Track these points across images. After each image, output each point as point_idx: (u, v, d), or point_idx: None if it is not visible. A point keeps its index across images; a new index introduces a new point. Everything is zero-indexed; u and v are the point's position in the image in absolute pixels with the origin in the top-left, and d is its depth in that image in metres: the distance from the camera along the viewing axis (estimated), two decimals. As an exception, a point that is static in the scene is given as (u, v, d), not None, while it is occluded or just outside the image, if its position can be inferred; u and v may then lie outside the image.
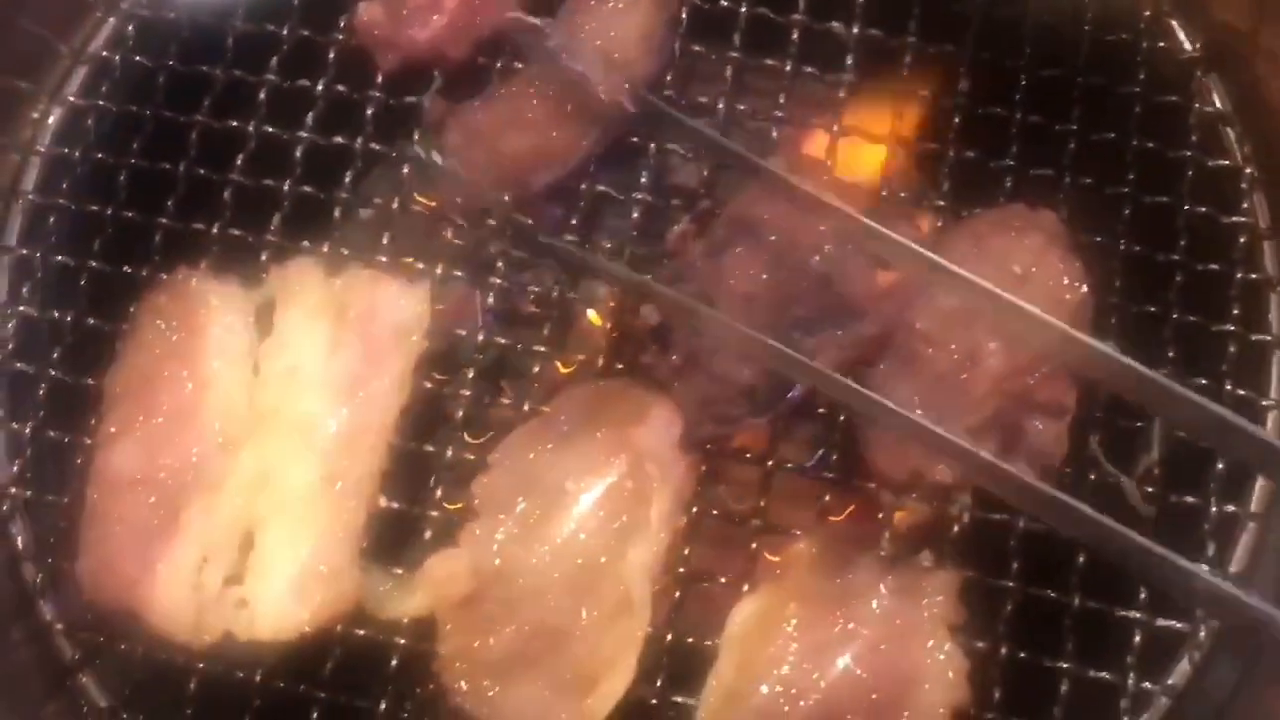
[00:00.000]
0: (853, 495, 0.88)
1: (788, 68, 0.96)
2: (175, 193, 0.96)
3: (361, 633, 0.85)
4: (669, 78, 0.96)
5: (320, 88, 0.97)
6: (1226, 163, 0.96)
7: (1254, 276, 0.93)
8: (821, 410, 0.89)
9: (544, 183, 0.93)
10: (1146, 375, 0.78)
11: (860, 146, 0.96)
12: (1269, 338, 0.92)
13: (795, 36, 0.97)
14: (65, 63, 1.03)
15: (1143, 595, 0.85)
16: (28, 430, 0.92)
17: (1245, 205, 0.95)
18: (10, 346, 0.95)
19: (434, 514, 0.87)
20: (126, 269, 0.94)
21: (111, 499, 0.87)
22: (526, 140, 0.93)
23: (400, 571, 0.86)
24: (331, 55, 0.98)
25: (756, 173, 0.88)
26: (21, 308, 0.96)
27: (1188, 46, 0.99)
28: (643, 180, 0.94)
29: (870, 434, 0.86)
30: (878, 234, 0.84)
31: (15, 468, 0.92)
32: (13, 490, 0.92)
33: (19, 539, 0.92)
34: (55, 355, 0.93)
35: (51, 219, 0.98)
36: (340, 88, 0.97)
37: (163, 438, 0.88)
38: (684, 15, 0.98)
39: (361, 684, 0.85)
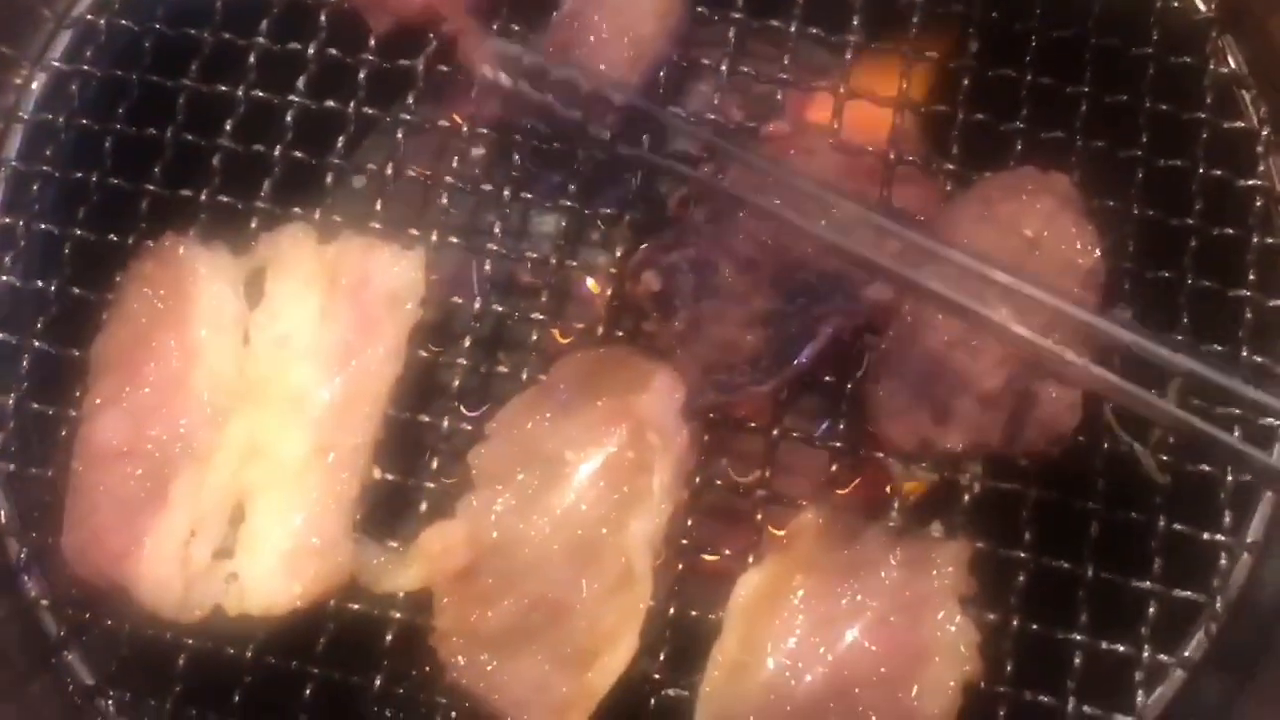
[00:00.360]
0: (860, 465, 0.86)
1: (792, 29, 0.94)
2: (163, 159, 0.94)
3: (356, 607, 0.83)
4: (662, 74, 0.94)
5: (312, 51, 0.95)
6: (1242, 125, 0.94)
7: (1270, 241, 0.91)
8: (828, 378, 0.86)
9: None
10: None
11: (867, 110, 0.93)
12: (1285, 304, 0.90)
13: (800, -2, 0.95)
14: (49, 26, 1.00)
15: (1157, 566, 0.83)
16: (11, 402, 0.90)
17: (1261, 168, 0.93)
18: (-8, 316, 0.93)
19: (430, 485, 0.85)
20: (113, 237, 0.92)
21: (97, 471, 0.84)
22: None
23: (395, 544, 0.84)
24: (323, 18, 0.96)
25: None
26: (4, 277, 0.93)
27: (1202, 7, 0.97)
28: (644, 145, 0.91)
29: (878, 401, 0.84)
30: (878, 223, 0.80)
31: (-1, 441, 0.90)
32: (-4, 463, 0.90)
33: (2, 513, 0.89)
34: (39, 325, 0.91)
35: (35, 187, 0.95)
36: (332, 51, 0.95)
37: (150, 408, 0.85)
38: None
39: (356, 660, 0.83)
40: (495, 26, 0.94)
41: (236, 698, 0.83)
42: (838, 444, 0.85)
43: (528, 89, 0.83)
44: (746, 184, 0.83)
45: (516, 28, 0.95)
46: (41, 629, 0.87)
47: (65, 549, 0.83)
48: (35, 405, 0.89)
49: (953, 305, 0.75)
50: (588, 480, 0.82)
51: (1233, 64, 0.96)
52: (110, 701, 0.85)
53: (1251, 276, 0.89)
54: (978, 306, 0.74)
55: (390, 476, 0.85)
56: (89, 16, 1.00)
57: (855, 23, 0.94)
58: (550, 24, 0.95)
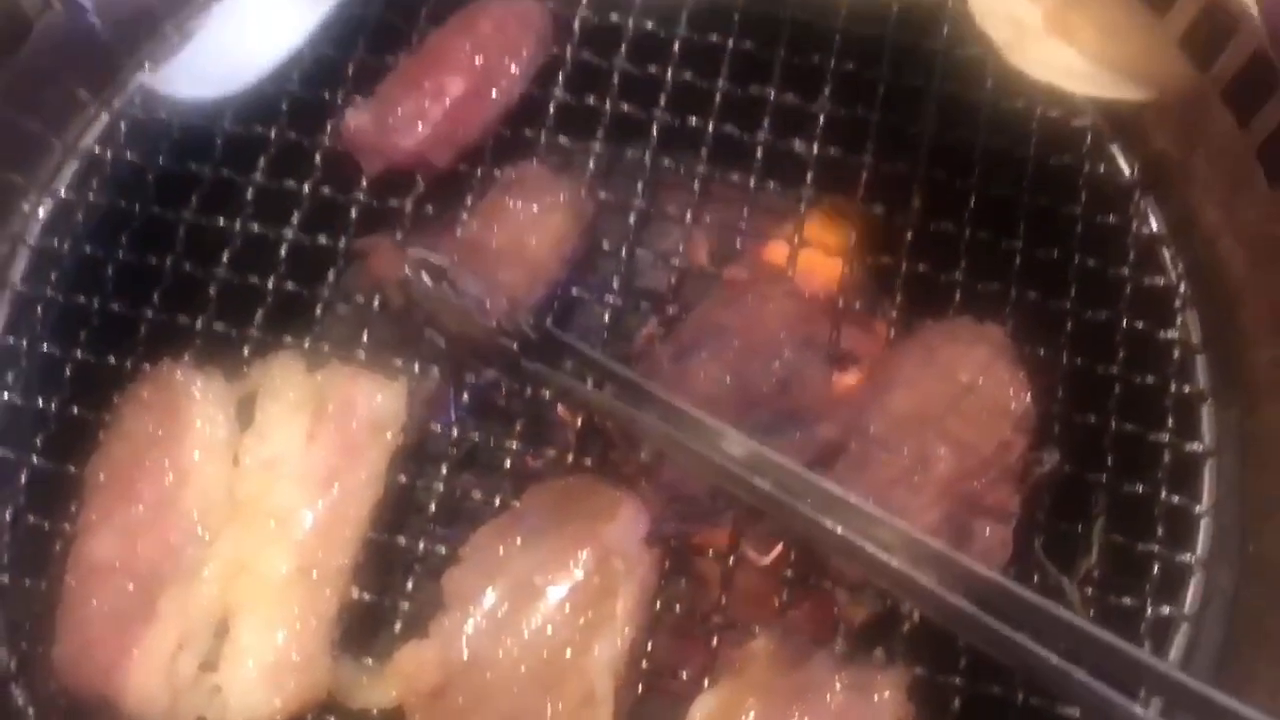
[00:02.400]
0: (809, 592, 0.92)
1: (751, 182, 1.02)
2: (161, 287, 0.99)
3: (332, 720, 0.87)
4: (641, 186, 1.02)
5: (306, 189, 1.02)
6: (1162, 281, 1.02)
7: (1187, 389, 0.99)
8: (780, 510, 0.92)
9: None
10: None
11: (819, 257, 1.01)
12: (1201, 447, 0.97)
13: (759, 154, 1.03)
14: (57, 157, 1.06)
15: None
16: (8, 516, 0.94)
17: (1179, 321, 1.01)
18: (-7, 433, 0.98)
19: (405, 605, 0.90)
20: (111, 360, 0.97)
21: (90, 585, 0.89)
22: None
23: (371, 662, 0.89)
24: (318, 158, 1.03)
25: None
26: (6, 395, 0.98)
27: (1126, 171, 1.06)
28: (613, 284, 0.99)
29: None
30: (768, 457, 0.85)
31: (-7, 553, 0.94)
32: (-10, 575, 0.94)
33: (-7, 623, 0.94)
34: (38, 442, 0.95)
35: (39, 309, 1.00)
36: (325, 189, 1.02)
37: (142, 526, 0.90)
38: (655, 131, 1.03)
39: (331, 771, 0.87)
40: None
41: (215, 808, 0.87)
42: (788, 572, 0.91)
43: (448, 293, 0.87)
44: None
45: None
46: (28, 737, 0.91)
47: (56, 660, 0.88)
48: (31, 519, 0.94)
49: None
50: (555, 604, 0.87)
51: (1154, 225, 1.04)
52: (93, 809, 0.89)
53: (1170, 422, 0.97)
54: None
55: (368, 596, 0.90)
56: (96, 148, 1.06)
57: (809, 178, 1.02)
58: (452, 242, 0.99)
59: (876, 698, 0.86)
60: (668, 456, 0.89)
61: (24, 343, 0.99)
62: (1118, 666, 0.76)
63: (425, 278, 0.86)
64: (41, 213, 1.05)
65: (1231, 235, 1.02)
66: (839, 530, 0.82)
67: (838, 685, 0.86)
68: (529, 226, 0.96)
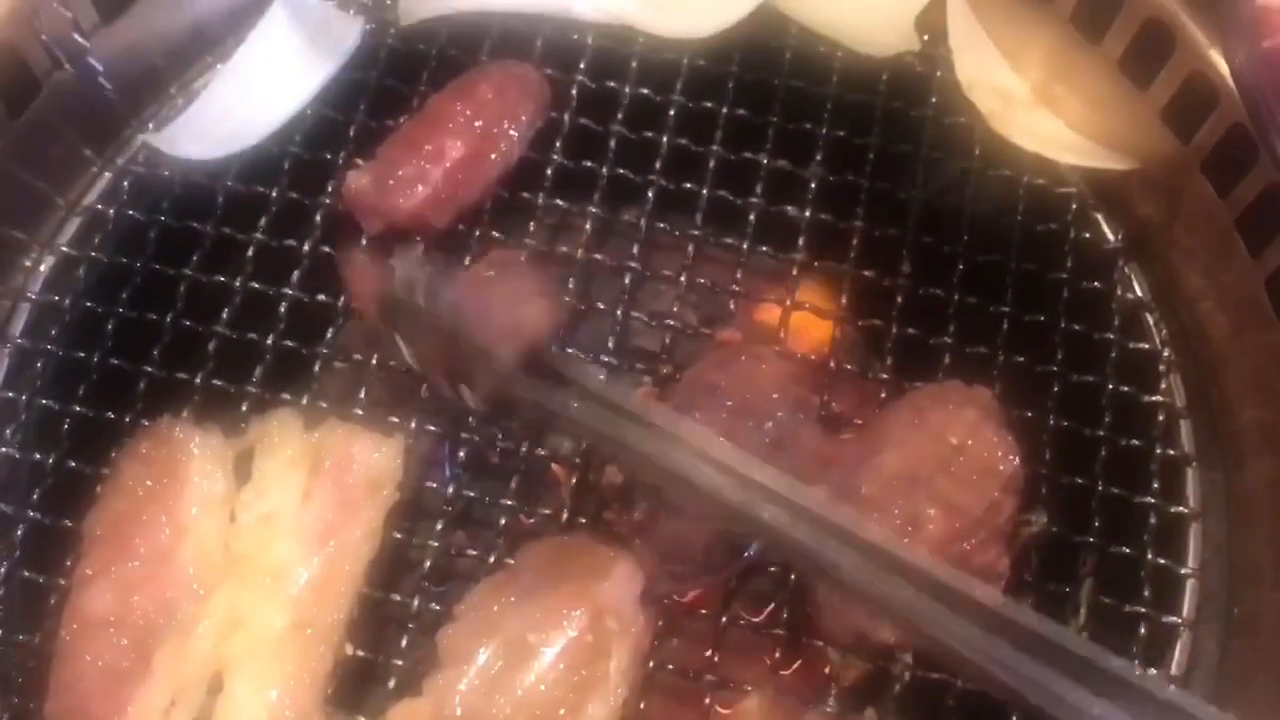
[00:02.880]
0: (801, 651, 0.93)
1: (745, 245, 1.04)
2: (161, 343, 1.00)
3: (323, 780, 0.87)
4: (636, 248, 1.04)
5: (306, 248, 1.03)
6: (1146, 346, 1.04)
7: (1172, 452, 1.00)
8: (773, 569, 0.94)
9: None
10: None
11: (810, 320, 1.03)
12: (1186, 510, 0.99)
13: (752, 218, 1.05)
14: (60, 214, 1.07)
15: (1072, 756, 0.90)
16: (3, 570, 0.94)
17: (1164, 385, 1.03)
18: (-10, 487, 0.98)
19: (398, 662, 0.90)
20: (110, 415, 0.98)
21: (85, 640, 0.89)
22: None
23: (364, 719, 0.89)
24: (318, 217, 1.05)
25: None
26: (4, 449, 0.98)
27: (1111, 238, 1.08)
28: (608, 344, 1.00)
29: (818, 593, 0.91)
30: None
31: (-13, 607, 0.94)
32: (-16, 629, 0.94)
33: (-14, 679, 0.94)
34: (35, 496, 0.96)
35: (39, 364, 1.01)
36: (325, 248, 1.03)
37: (138, 581, 0.91)
38: (650, 195, 1.06)
39: (322, 831, 0.87)
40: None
41: None
42: (780, 631, 0.92)
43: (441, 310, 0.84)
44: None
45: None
46: (18, 794, 0.91)
47: (49, 715, 0.88)
48: (26, 573, 0.94)
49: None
50: (549, 663, 0.88)
51: (1138, 290, 1.07)
52: None
53: (1155, 485, 0.98)
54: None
55: (362, 653, 0.90)
56: (98, 206, 1.08)
57: (800, 242, 1.04)
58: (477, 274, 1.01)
59: (869, 758, 0.87)
60: (668, 491, 0.88)
61: (23, 397, 1.00)
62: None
63: (416, 292, 0.84)
64: (44, 268, 1.06)
65: (1213, 301, 1.04)
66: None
67: (830, 745, 0.87)
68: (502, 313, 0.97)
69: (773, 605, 0.96)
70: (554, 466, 1.05)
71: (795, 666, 0.95)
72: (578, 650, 0.88)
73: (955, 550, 0.91)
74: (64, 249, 1.06)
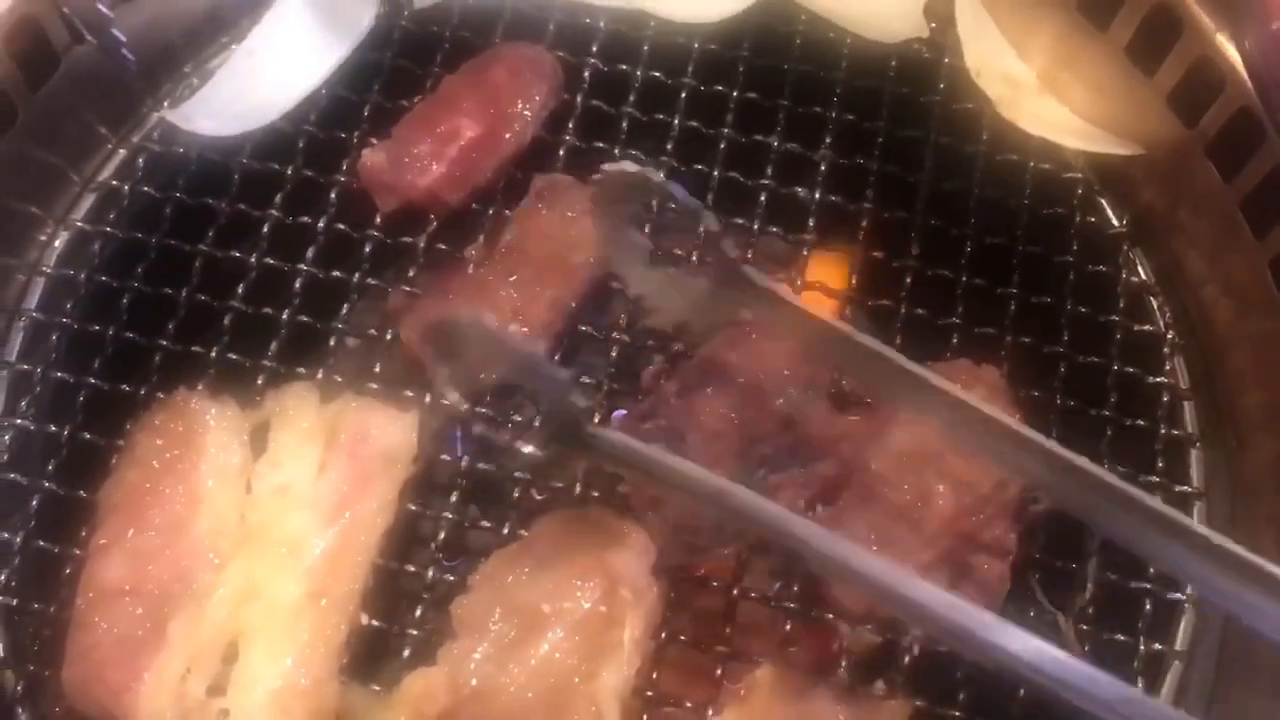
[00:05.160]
0: (811, 624, 0.93)
1: (755, 226, 1.05)
2: (176, 317, 1.01)
3: (337, 748, 0.88)
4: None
5: (321, 225, 1.04)
6: (1151, 328, 1.06)
7: (1176, 433, 1.02)
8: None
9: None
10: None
11: (820, 300, 1.04)
12: (1190, 489, 1.00)
13: (762, 199, 1.06)
14: (75, 189, 1.08)
15: (1078, 728, 0.91)
16: (18, 540, 0.95)
17: (1168, 367, 1.05)
18: (5, 458, 0.98)
19: (413, 632, 0.91)
20: (124, 387, 0.98)
21: (100, 608, 0.89)
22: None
23: (378, 688, 0.89)
24: (333, 195, 1.05)
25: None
26: (19, 421, 0.99)
27: (1115, 223, 1.10)
28: (621, 322, 1.01)
29: (829, 567, 0.92)
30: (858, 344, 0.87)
31: (2, 576, 0.94)
32: (-1, 598, 0.94)
33: (0, 646, 0.94)
34: (50, 468, 0.96)
35: (53, 337, 1.02)
36: (340, 225, 1.04)
37: (153, 550, 0.91)
38: (661, 175, 1.06)
39: (336, 799, 0.87)
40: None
41: (220, 832, 0.87)
42: (791, 604, 0.93)
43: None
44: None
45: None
46: (33, 761, 0.91)
47: (65, 682, 0.88)
48: (41, 543, 0.94)
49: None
50: (563, 632, 0.88)
51: (1142, 274, 1.08)
52: (96, 833, 0.89)
53: (1159, 464, 1.00)
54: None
55: (376, 623, 0.91)
56: (113, 182, 1.08)
57: (811, 224, 1.06)
58: (495, 252, 1.03)
59: (878, 729, 0.88)
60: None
61: (38, 370, 1.00)
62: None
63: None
64: (59, 243, 1.07)
65: (1217, 285, 1.06)
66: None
67: (840, 716, 0.88)
68: (564, 232, 1.00)
69: (784, 579, 0.96)
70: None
71: (806, 640, 0.95)
72: (591, 620, 0.89)
73: (964, 526, 0.93)
74: (79, 224, 1.07)
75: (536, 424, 0.87)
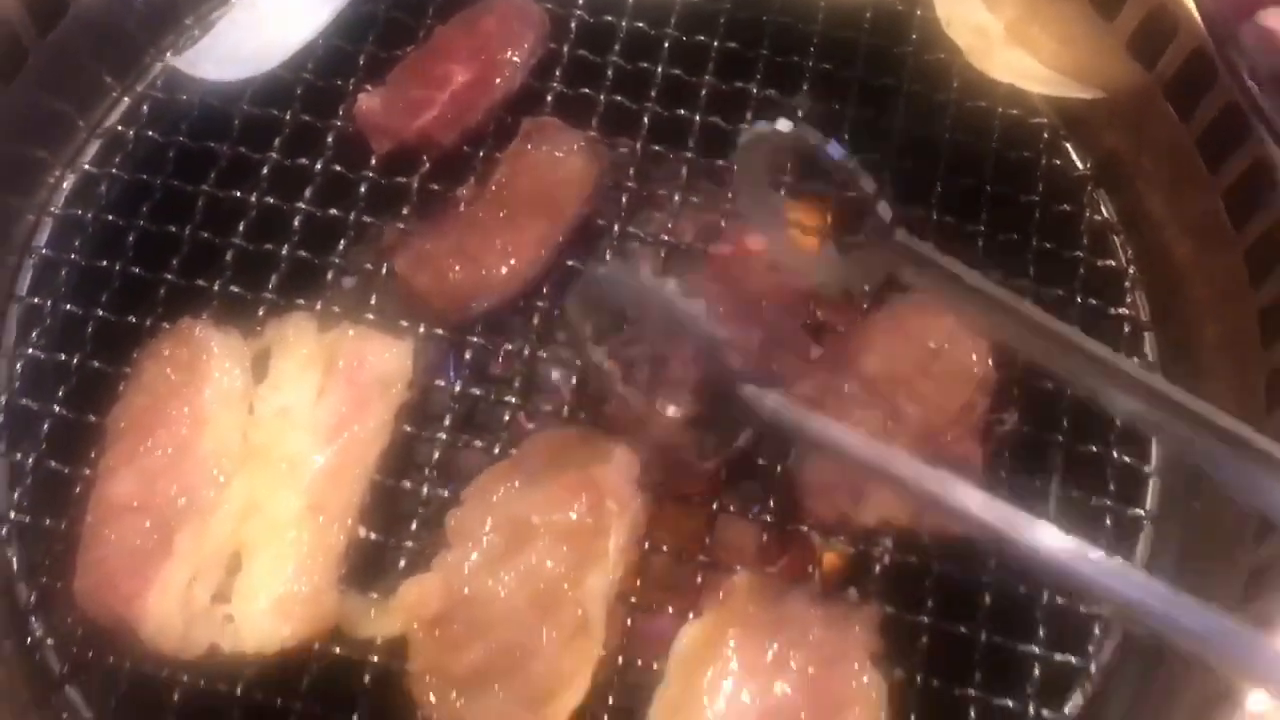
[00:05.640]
0: (787, 537, 0.98)
1: (735, 168, 1.09)
2: (180, 253, 1.05)
3: (338, 651, 0.92)
4: (631, 170, 1.09)
5: (319, 166, 1.08)
6: (1113, 264, 1.11)
7: (1137, 361, 1.06)
8: (761, 461, 0.99)
9: (486, 307, 1.03)
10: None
11: (797, 238, 1.09)
12: (1149, 413, 1.05)
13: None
14: (82, 135, 1.13)
15: (1042, 633, 0.95)
16: (29, 461, 0.99)
17: (1129, 300, 1.09)
18: (16, 385, 1.02)
19: (408, 545, 0.95)
20: (131, 319, 1.03)
21: (109, 523, 0.94)
22: (468, 272, 1.02)
23: (376, 596, 0.94)
24: (330, 139, 1.10)
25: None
26: (30, 350, 1.03)
27: (1080, 166, 1.15)
28: (606, 258, 1.06)
29: (804, 481, 0.97)
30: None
31: (15, 495, 0.99)
32: (11, 515, 0.98)
33: (14, 561, 0.98)
34: (60, 394, 1.01)
35: (62, 272, 1.06)
36: (337, 167, 1.09)
37: (160, 469, 0.95)
38: (645, 121, 1.11)
39: (336, 698, 0.91)
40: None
41: (225, 731, 0.92)
42: (768, 518, 0.97)
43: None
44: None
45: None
46: (46, 667, 0.95)
47: (77, 592, 0.92)
48: (52, 464, 0.99)
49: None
50: (551, 541, 0.93)
51: (1105, 213, 1.13)
52: (107, 734, 0.93)
53: (1121, 388, 1.05)
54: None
55: (373, 535, 0.95)
56: (119, 128, 1.13)
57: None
58: (486, 191, 1.07)
59: (851, 633, 0.92)
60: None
61: (48, 303, 1.05)
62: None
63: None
64: (66, 186, 1.11)
65: (1176, 225, 1.11)
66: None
67: (814, 620, 0.93)
68: (552, 171, 1.04)
69: (760, 499, 1.01)
70: (554, 373, 1.10)
71: (782, 552, 1.00)
72: (578, 530, 0.93)
73: (934, 444, 0.97)
74: (86, 167, 1.12)
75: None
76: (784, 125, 0.86)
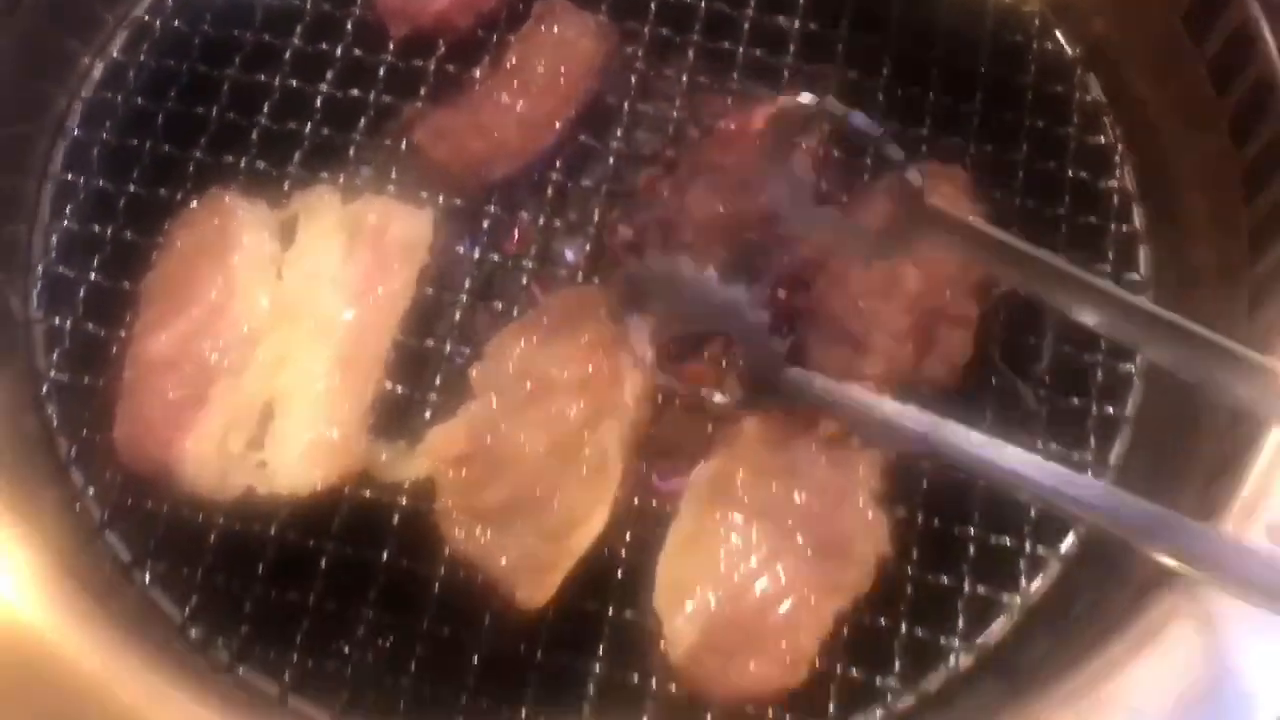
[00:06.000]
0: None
1: (740, 50, 1.14)
2: (207, 132, 1.10)
3: (367, 494, 0.96)
4: (639, 52, 1.14)
5: (339, 51, 1.12)
6: (1103, 140, 1.15)
7: (1125, 229, 1.11)
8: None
9: (501, 175, 1.07)
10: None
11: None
12: (1139, 277, 1.10)
13: (746, 26, 1.15)
14: (109, 26, 1.17)
15: (1036, 477, 1.00)
16: (67, 325, 1.03)
17: (1118, 174, 1.14)
18: (53, 255, 1.07)
19: (433, 397, 1.00)
20: (162, 193, 1.07)
21: (147, 378, 0.98)
22: (484, 142, 1.07)
23: (403, 443, 0.98)
24: (349, 25, 1.14)
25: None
26: (64, 223, 1.08)
27: (1069, 50, 1.19)
28: (616, 134, 1.10)
29: (810, 334, 1.01)
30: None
31: (54, 356, 1.03)
32: (51, 374, 1.03)
33: (54, 417, 1.02)
34: (95, 263, 1.05)
35: (94, 151, 1.10)
36: (356, 51, 1.13)
37: (194, 329, 1.00)
38: (652, 6, 1.16)
39: (367, 538, 0.96)
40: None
41: (260, 569, 0.96)
42: (776, 371, 1.02)
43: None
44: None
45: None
46: (87, 515, 0.99)
47: (116, 439, 0.96)
48: (90, 326, 1.03)
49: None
50: (569, 392, 0.97)
51: (1095, 94, 1.18)
52: (147, 573, 0.97)
53: (1110, 256, 1.09)
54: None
55: (400, 388, 1.00)
56: (145, 18, 1.17)
57: (791, 49, 1.15)
58: (499, 72, 1.11)
59: (855, 473, 0.97)
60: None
61: (81, 179, 1.09)
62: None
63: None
64: (96, 73, 1.15)
65: (1163, 104, 1.15)
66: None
67: (820, 461, 0.97)
68: (563, 51, 1.08)
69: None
70: (569, 251, 1.14)
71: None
72: (594, 381, 0.98)
73: (933, 302, 1.02)
74: (115, 55, 1.15)
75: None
76: (806, 98, 0.87)
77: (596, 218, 1.07)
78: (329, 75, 1.12)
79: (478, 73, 1.12)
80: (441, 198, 1.07)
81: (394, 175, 1.08)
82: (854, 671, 0.93)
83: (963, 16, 1.18)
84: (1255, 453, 0.89)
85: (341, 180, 1.07)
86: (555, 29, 1.11)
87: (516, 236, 1.12)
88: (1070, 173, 1.12)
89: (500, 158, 1.06)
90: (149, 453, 0.96)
